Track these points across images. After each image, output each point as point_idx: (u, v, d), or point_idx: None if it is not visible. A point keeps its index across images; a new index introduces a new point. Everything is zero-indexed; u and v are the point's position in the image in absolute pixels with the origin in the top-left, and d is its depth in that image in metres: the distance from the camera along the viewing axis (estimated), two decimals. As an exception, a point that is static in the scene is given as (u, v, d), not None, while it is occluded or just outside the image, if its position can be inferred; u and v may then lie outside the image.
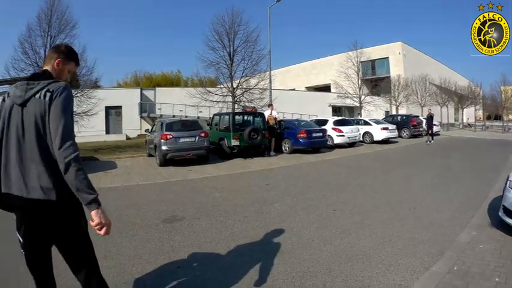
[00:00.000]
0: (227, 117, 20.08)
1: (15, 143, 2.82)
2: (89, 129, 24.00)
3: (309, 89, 66.00)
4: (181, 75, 75.20)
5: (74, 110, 19.79)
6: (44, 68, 3.12)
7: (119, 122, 40.49)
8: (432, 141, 27.47)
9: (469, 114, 66.57)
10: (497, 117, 78.65)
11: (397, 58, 58.50)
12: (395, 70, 56.06)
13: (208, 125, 22.55)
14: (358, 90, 44.02)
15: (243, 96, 27.59)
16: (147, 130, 21.17)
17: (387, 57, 59.61)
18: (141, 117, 41.01)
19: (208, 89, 28.36)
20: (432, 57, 69.54)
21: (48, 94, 2.80)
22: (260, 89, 28.17)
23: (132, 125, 39.62)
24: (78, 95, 21.50)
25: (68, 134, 2.74)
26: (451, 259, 5.40)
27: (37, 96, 2.81)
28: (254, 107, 24.15)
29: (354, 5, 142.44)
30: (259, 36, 28.22)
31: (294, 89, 57.89)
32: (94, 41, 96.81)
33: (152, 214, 8.34)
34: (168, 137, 16.19)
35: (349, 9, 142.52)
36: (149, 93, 43.54)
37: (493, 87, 57.81)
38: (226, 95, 27.97)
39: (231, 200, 9.69)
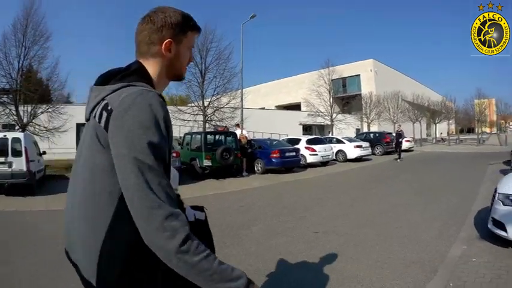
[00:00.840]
0: (199, 136, 19.83)
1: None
2: (60, 146, 23.15)
3: (279, 107, 66.37)
4: (151, 93, 74.24)
5: (45, 126, 19.02)
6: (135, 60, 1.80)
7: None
8: (400, 160, 26.69)
9: (442, 128, 67.86)
10: (470, 130, 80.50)
11: (369, 75, 59.19)
12: (367, 87, 56.78)
13: (179, 144, 22.12)
14: (329, 108, 43.85)
15: (214, 115, 27.15)
16: None
17: (358, 75, 60.47)
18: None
19: (179, 107, 27.91)
20: (404, 73, 70.50)
21: (105, 114, 1.56)
22: (231, 107, 27.86)
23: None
24: (50, 110, 20.97)
25: (157, 189, 1.43)
26: (445, 276, 5.34)
27: (93, 113, 1.65)
28: (226, 126, 23.76)
29: (325, 23, 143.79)
30: (231, 54, 28.10)
31: (263, 108, 57.61)
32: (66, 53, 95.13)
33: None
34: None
35: (320, 27, 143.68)
36: (119, 110, 42.05)
37: (467, 101, 59.55)
38: (197, 114, 27.54)
39: (206, 224, 9.14)
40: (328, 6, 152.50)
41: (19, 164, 13.57)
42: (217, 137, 20.92)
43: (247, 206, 11.66)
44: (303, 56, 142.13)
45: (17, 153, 13.64)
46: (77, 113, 31.34)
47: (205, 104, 27.17)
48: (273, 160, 19.89)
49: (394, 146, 29.62)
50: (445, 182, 15.62)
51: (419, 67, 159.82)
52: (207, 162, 18.10)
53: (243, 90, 28.99)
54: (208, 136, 20.12)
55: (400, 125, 30.91)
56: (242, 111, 26.96)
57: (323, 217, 9.69)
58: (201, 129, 25.77)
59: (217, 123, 26.52)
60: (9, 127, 19.89)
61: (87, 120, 1.70)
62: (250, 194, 14.25)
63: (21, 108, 20.13)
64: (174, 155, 16.38)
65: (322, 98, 44.08)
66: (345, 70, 53.08)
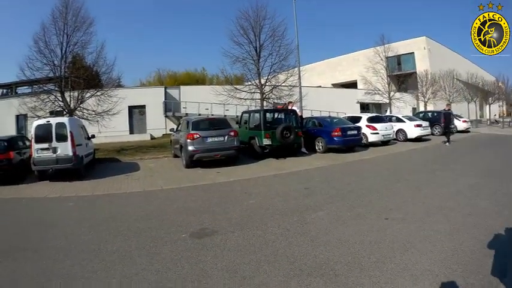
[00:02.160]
0: (257, 114, 19.09)
1: None
2: (111, 130, 23.24)
3: (335, 85, 64.98)
4: (206, 73, 74.47)
5: (94, 109, 19.11)
6: None
7: (142, 122, 39.80)
8: (447, 144, 23.05)
9: (494, 110, 65.48)
10: None
11: (423, 53, 57.16)
12: (421, 65, 54.72)
13: (236, 123, 21.58)
14: (387, 86, 42.69)
15: (271, 93, 26.63)
16: (172, 129, 20.56)
17: (412, 53, 58.26)
18: (166, 116, 40.10)
19: (235, 86, 27.55)
20: (457, 52, 68.09)
21: None
22: (289, 85, 27.08)
23: (157, 124, 38.84)
24: (98, 93, 20.96)
25: None
26: None
27: None
28: (288, 102, 22.96)
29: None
30: (286, 30, 27.12)
31: (320, 86, 56.58)
32: (114, 39, 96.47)
33: (178, 226, 7.31)
34: (195, 136, 15.28)
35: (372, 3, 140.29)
36: (173, 92, 42.63)
37: None
38: (254, 92, 27.04)
39: (268, 208, 8.54)
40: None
41: (64, 149, 13.59)
42: (276, 115, 20.05)
43: (312, 189, 10.76)
44: (355, 34, 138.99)
45: (62, 138, 13.65)
46: (128, 96, 31.67)
47: (262, 82, 26.65)
48: (335, 139, 18.92)
49: (443, 127, 26.88)
50: (510, 166, 14.55)
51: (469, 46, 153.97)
52: (266, 141, 17.39)
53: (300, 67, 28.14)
54: (267, 114, 19.30)
55: (449, 104, 28.06)
56: (300, 88, 26.08)
57: (392, 202, 8.84)
58: (258, 108, 25.36)
59: (275, 101, 26.14)
60: (56, 113, 20.10)
61: None
62: (313, 175, 13.43)
63: (67, 94, 20.33)
64: (232, 133, 15.99)
65: (380, 76, 42.90)
66: (398, 47, 51.41)
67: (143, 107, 39.64)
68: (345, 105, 45.04)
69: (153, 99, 39.74)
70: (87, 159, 15.55)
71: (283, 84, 26.97)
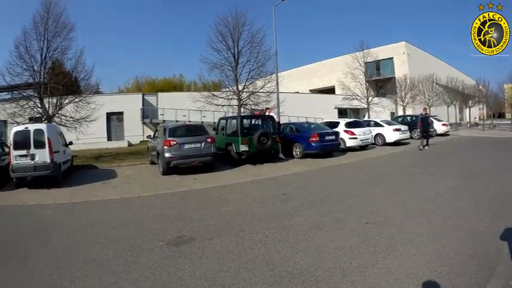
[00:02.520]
0: (234, 121, 19.03)
1: None
2: (89, 136, 23.03)
3: (313, 91, 65.44)
4: (183, 80, 74.33)
5: (72, 116, 18.90)
6: None
7: (120, 129, 39.53)
8: (427, 148, 22.81)
9: (474, 113, 66.64)
10: (501, 116, 79.20)
11: (402, 58, 57.93)
12: (401, 71, 55.48)
13: (214, 129, 21.46)
14: (365, 91, 43.12)
15: (249, 99, 26.66)
16: (149, 136, 20.41)
17: (391, 58, 59.02)
18: (144, 123, 39.97)
19: (212, 92, 27.55)
20: (437, 57, 69.02)
21: None
22: (266, 92, 27.08)
23: (134, 131, 38.59)
24: (77, 100, 20.76)
25: None
26: (503, 273, 4.86)
27: None
28: (265, 108, 23.03)
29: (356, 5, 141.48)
30: (264, 37, 27.30)
31: (297, 92, 56.82)
32: (92, 45, 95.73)
33: (155, 234, 7.24)
34: (172, 143, 15.22)
35: (351, 9, 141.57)
36: (151, 99, 42.55)
37: (500, 84, 58.66)
38: (231, 98, 27.05)
39: (245, 215, 8.52)
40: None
41: (42, 156, 13.39)
42: (253, 121, 20.10)
43: (289, 194, 10.76)
44: (334, 41, 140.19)
45: (40, 145, 13.46)
46: (106, 102, 31.44)
47: (240, 88, 26.67)
48: (313, 144, 18.92)
49: (420, 130, 25.09)
50: (490, 168, 14.71)
51: (450, 49, 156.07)
52: (243, 147, 17.32)
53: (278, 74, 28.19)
54: (245, 120, 19.31)
55: (425, 108, 28.13)
56: (278, 95, 26.11)
57: (371, 206, 8.86)
58: (236, 114, 25.24)
59: (253, 107, 26.12)
60: (35, 120, 19.83)
61: None
62: (291, 181, 13.43)
63: (46, 100, 20.11)
64: (209, 140, 15.96)
65: (358, 81, 43.35)
66: (378, 53, 51.97)
67: (121, 113, 39.37)
68: (322, 111, 45.24)
69: (131, 106, 39.52)
70: (64, 166, 15.33)
71: (260, 91, 27.01)
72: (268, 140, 17.40)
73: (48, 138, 13.53)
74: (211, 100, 26.60)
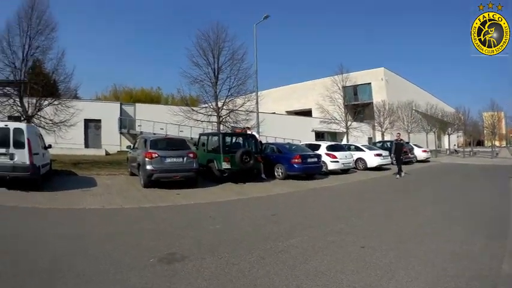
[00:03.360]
0: (216, 138, 18.98)
1: None
2: (67, 141, 22.64)
3: (290, 113, 65.95)
4: (161, 92, 73.92)
5: (51, 119, 18.36)
6: None
7: (98, 136, 38.83)
8: (401, 176, 21.55)
9: (452, 140, 67.87)
10: (479, 143, 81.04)
11: (380, 84, 59.11)
12: (378, 96, 56.55)
13: (194, 145, 21.21)
14: (344, 115, 43.17)
15: (228, 116, 26.48)
16: (128, 147, 20.27)
17: (369, 83, 60.10)
18: (121, 133, 39.51)
19: (192, 107, 27.25)
20: (417, 84, 70.32)
21: None
22: (246, 110, 26.95)
23: (112, 140, 38.02)
24: (56, 103, 20.28)
25: None
26: None
27: None
28: (245, 127, 22.85)
29: (336, 25, 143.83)
30: (245, 54, 27.19)
31: (274, 113, 57.01)
32: (72, 49, 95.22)
33: (144, 250, 6.80)
34: (154, 155, 14.93)
35: (332, 32, 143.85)
36: (129, 109, 42.06)
37: (480, 112, 60.40)
38: (210, 115, 26.82)
39: (237, 234, 8.22)
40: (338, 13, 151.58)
41: (22, 157, 12.86)
42: (234, 139, 20.12)
43: (278, 215, 10.60)
44: (312, 63, 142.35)
45: (19, 145, 12.95)
46: (85, 108, 30.91)
47: (219, 105, 26.50)
48: (295, 166, 18.91)
49: (393, 157, 23.37)
50: (473, 194, 15.17)
51: (429, 78, 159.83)
52: (225, 165, 17.16)
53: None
54: (226, 138, 19.32)
55: (399, 133, 26.64)
56: (258, 114, 25.98)
57: (365, 229, 8.84)
58: (214, 131, 25.20)
59: (232, 125, 25.99)
60: (14, 119, 19.19)
61: None
62: (278, 201, 13.40)
63: (26, 99, 19.67)
64: (191, 155, 15.72)
65: (337, 105, 43.29)
66: (357, 77, 52.46)
67: (99, 121, 38.73)
68: (299, 133, 45.51)
69: (108, 114, 38.96)
70: (44, 169, 14.80)
71: (240, 109, 26.81)
72: (251, 159, 17.32)
73: (28, 139, 13.04)
74: (190, 115, 26.25)
